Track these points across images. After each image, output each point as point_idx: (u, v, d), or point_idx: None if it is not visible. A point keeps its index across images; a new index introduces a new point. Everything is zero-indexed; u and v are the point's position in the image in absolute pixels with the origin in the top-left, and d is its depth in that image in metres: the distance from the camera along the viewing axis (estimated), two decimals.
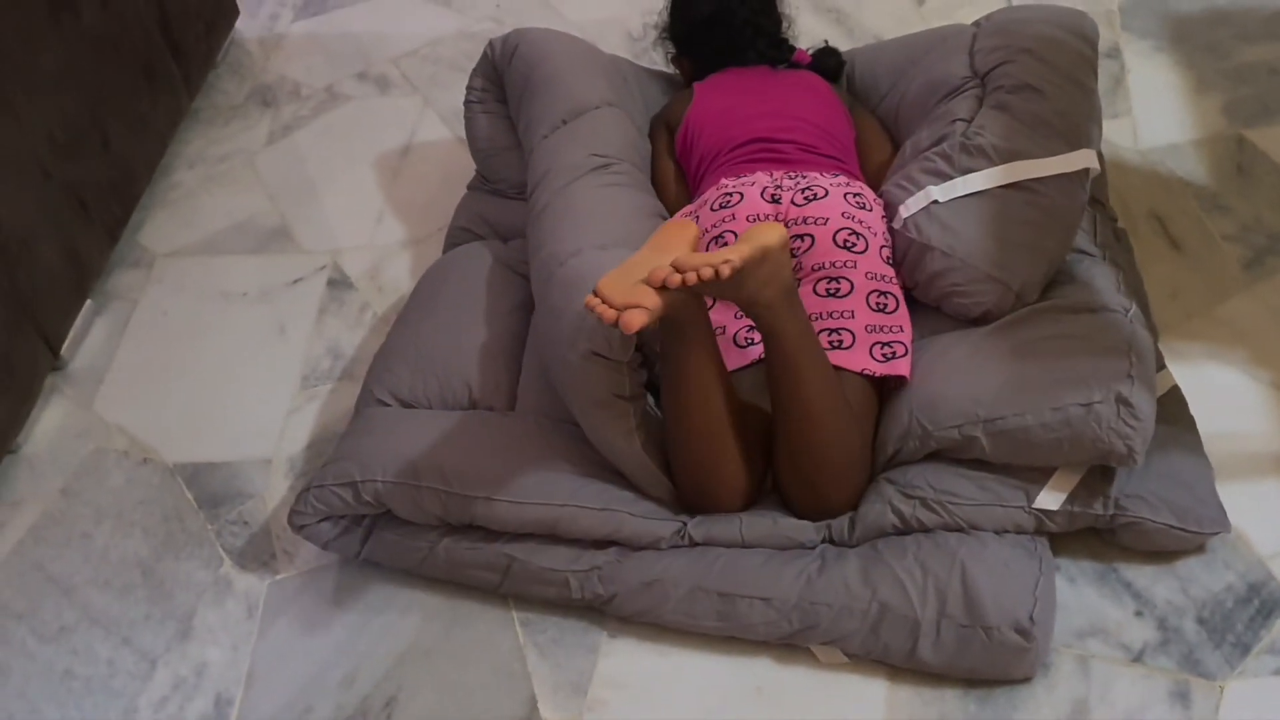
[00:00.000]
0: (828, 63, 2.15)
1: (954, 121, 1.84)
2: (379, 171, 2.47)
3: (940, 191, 1.75)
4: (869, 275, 1.69)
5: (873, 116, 2.08)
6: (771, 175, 1.81)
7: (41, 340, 2.01)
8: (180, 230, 2.39)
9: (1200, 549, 1.59)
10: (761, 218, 1.73)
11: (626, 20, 2.74)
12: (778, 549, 1.59)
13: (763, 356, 1.64)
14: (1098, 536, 1.61)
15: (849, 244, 1.70)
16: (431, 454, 1.64)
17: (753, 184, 1.79)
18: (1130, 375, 1.52)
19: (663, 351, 1.55)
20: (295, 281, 2.24)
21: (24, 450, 1.98)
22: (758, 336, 1.66)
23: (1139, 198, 2.10)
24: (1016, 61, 1.86)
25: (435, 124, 2.57)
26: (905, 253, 1.76)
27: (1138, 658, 1.51)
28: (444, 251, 2.13)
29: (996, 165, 1.74)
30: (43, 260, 2.01)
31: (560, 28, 2.22)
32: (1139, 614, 1.55)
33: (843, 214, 1.72)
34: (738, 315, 1.71)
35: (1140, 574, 1.58)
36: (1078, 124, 1.79)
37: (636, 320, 1.36)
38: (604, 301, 1.39)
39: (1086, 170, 1.74)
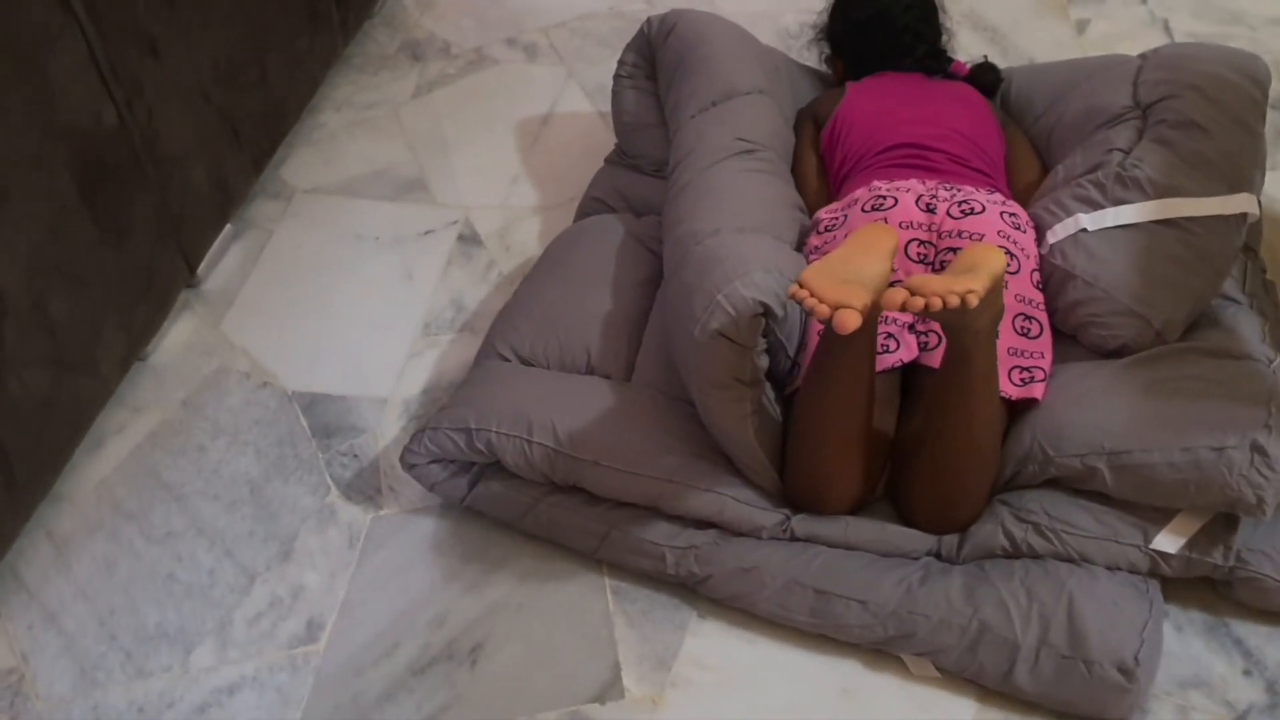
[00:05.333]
0: (985, 77, 2.11)
1: (1111, 150, 1.81)
2: (517, 136, 2.50)
3: (1090, 220, 1.72)
4: (1018, 298, 1.66)
5: (1024, 136, 2.04)
6: (925, 184, 1.79)
7: (181, 257, 2.07)
8: (321, 169, 2.44)
9: None
10: (915, 225, 1.72)
11: (779, 15, 2.73)
12: (880, 555, 1.58)
13: (895, 366, 1.62)
14: (1211, 588, 1.57)
15: None
16: (547, 412, 1.66)
17: (907, 190, 1.76)
18: (1268, 425, 1.47)
19: (822, 349, 1.50)
20: (426, 233, 2.28)
21: (152, 359, 2.05)
22: (893, 345, 1.65)
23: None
24: (1183, 97, 1.81)
25: (578, 96, 2.59)
26: (1049, 278, 1.73)
27: (1241, 717, 1.46)
28: (575, 220, 2.15)
29: (1151, 199, 1.70)
30: (192, 181, 2.07)
31: (713, 11, 2.22)
32: (1247, 673, 1.50)
33: (999, 232, 1.69)
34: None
35: (1253, 632, 1.53)
36: (1241, 167, 1.74)
37: (851, 322, 1.32)
38: (813, 295, 1.36)
39: (1244, 215, 1.69)
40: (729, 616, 1.61)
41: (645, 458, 1.63)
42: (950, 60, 2.13)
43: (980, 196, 1.74)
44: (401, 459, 1.71)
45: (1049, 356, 1.66)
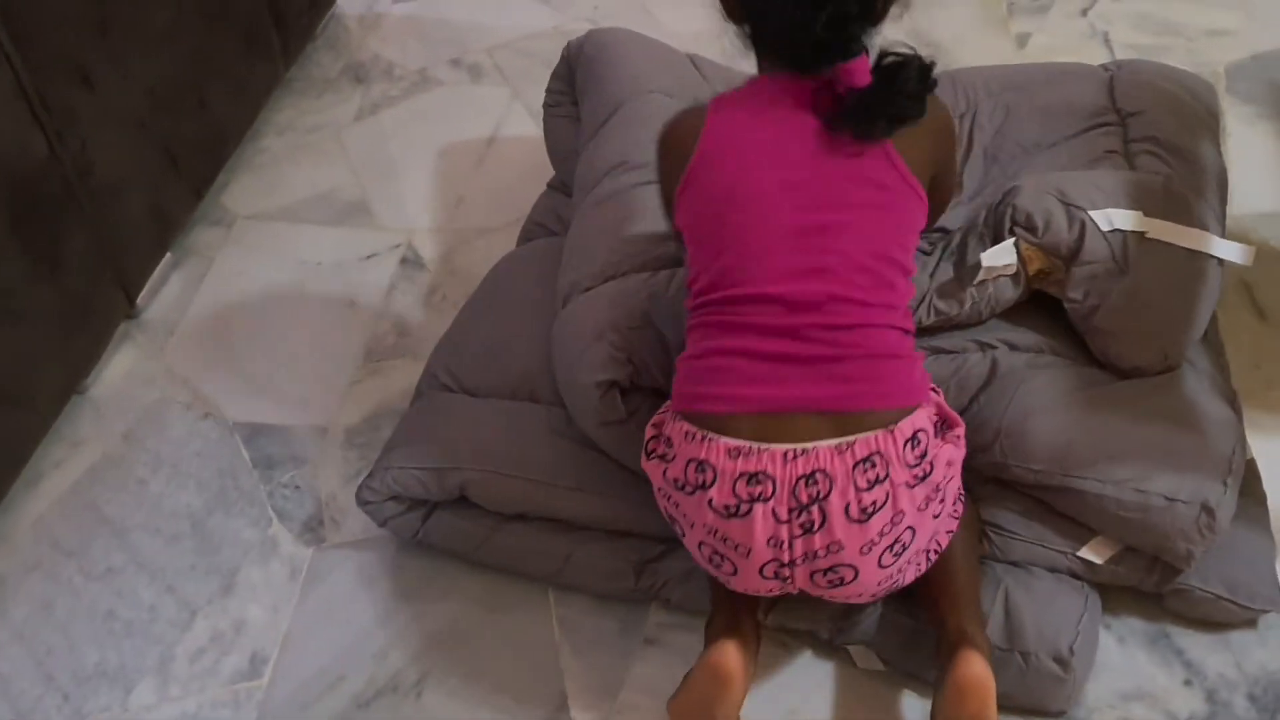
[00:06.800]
0: (896, 103, 1.34)
1: (1109, 152, 1.78)
2: (462, 158, 2.49)
3: (1155, 229, 1.61)
4: (919, 552, 1.37)
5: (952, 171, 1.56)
6: (777, 517, 1.28)
7: (119, 287, 2.04)
8: (263, 195, 2.42)
9: (1251, 624, 1.56)
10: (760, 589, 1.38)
11: (723, 34, 2.73)
12: None
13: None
14: (1152, 598, 1.58)
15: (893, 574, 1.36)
16: (516, 445, 1.65)
17: (748, 553, 1.31)
18: (1225, 483, 1.47)
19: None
20: (369, 257, 2.26)
21: (91, 392, 2.02)
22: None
23: (1228, 264, 2.06)
24: (1162, 122, 1.80)
25: (523, 117, 2.58)
26: (1097, 264, 1.58)
27: None
28: (517, 244, 2.14)
29: (1193, 227, 1.65)
30: (130, 209, 2.04)
31: (655, 35, 2.22)
32: (1188, 683, 1.51)
33: (879, 582, 1.35)
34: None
35: (1194, 643, 1.55)
36: (1220, 213, 1.76)
37: None
38: None
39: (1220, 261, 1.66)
40: (674, 642, 1.61)
41: (619, 483, 1.62)
42: (861, 49, 1.36)
43: (853, 547, 1.28)
44: (358, 495, 1.68)
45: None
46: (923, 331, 1.64)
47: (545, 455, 1.64)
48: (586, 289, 1.72)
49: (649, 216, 1.76)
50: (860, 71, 1.33)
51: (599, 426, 1.59)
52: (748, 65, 1.67)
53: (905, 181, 1.37)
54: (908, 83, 1.33)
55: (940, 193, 1.51)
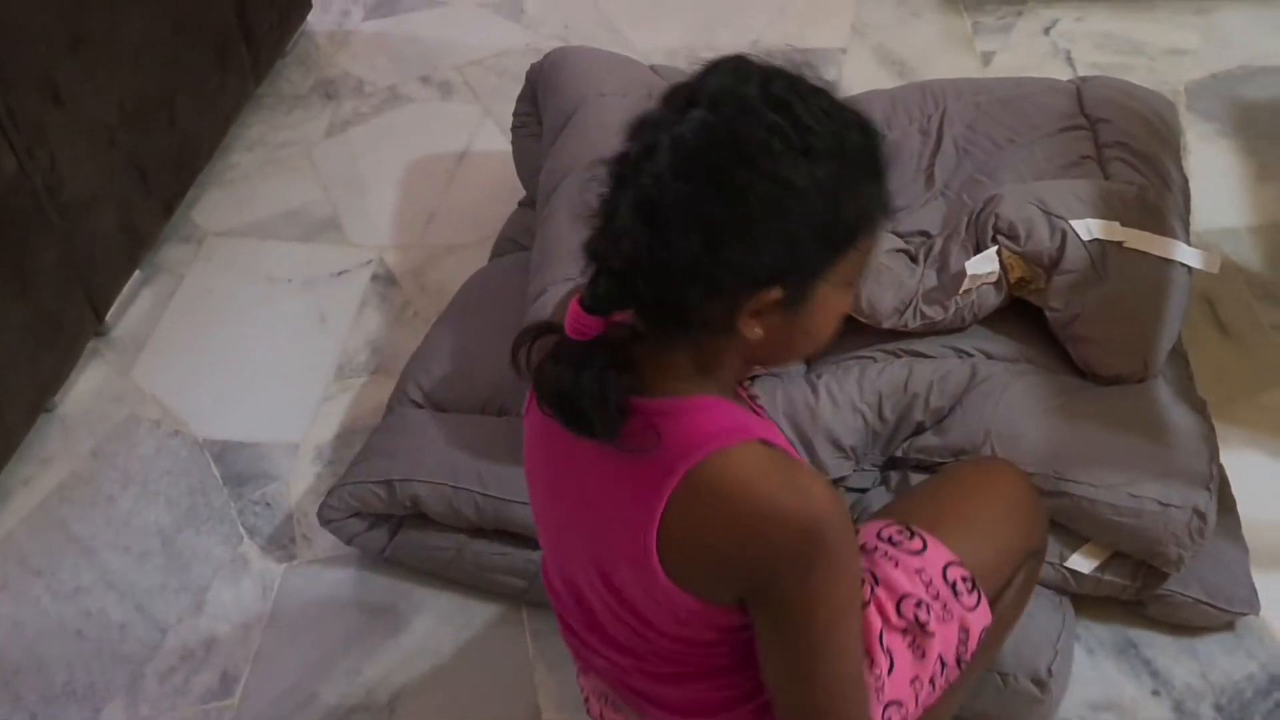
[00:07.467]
0: (569, 397, 0.97)
1: (1084, 158, 1.81)
2: (433, 175, 2.49)
3: (1132, 239, 1.64)
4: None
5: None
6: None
7: (88, 304, 2.03)
8: (233, 211, 2.41)
9: (1230, 627, 1.58)
10: None
11: (695, 50, 2.75)
12: None
13: None
14: (1122, 609, 1.60)
15: None
16: (470, 458, 1.65)
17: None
18: (1209, 488, 1.49)
19: None
20: (340, 273, 2.26)
21: (59, 410, 2.00)
22: None
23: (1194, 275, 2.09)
24: (1133, 133, 1.84)
25: (494, 134, 2.59)
26: (1077, 273, 1.61)
27: None
28: (489, 260, 2.14)
29: (1163, 236, 1.67)
30: (100, 226, 2.03)
31: (624, 53, 2.23)
32: (1156, 693, 1.53)
33: None
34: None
35: (1161, 652, 1.57)
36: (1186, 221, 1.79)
37: None
38: None
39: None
40: None
41: None
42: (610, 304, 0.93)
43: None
44: (319, 514, 1.68)
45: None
46: (907, 336, 1.67)
47: (506, 469, 1.63)
48: (566, 280, 1.73)
49: None
50: (590, 325, 0.92)
51: None
52: None
53: (654, 588, 0.93)
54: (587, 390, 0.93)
55: (778, 628, 0.93)
